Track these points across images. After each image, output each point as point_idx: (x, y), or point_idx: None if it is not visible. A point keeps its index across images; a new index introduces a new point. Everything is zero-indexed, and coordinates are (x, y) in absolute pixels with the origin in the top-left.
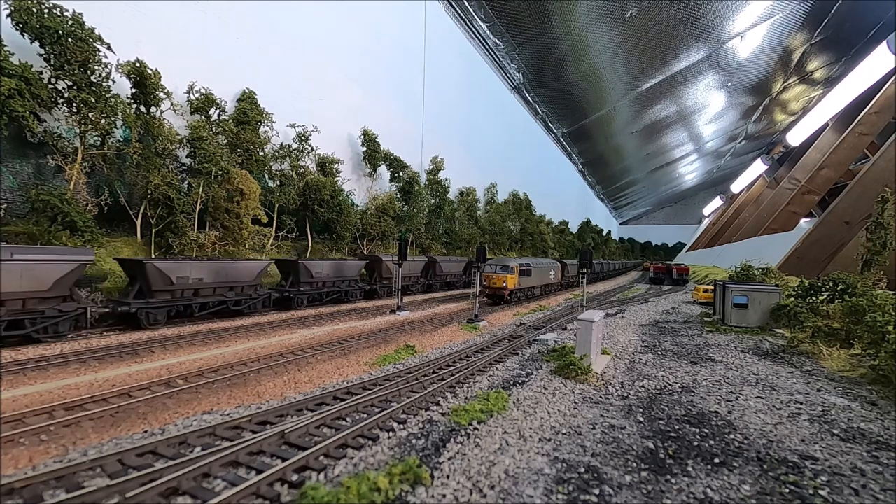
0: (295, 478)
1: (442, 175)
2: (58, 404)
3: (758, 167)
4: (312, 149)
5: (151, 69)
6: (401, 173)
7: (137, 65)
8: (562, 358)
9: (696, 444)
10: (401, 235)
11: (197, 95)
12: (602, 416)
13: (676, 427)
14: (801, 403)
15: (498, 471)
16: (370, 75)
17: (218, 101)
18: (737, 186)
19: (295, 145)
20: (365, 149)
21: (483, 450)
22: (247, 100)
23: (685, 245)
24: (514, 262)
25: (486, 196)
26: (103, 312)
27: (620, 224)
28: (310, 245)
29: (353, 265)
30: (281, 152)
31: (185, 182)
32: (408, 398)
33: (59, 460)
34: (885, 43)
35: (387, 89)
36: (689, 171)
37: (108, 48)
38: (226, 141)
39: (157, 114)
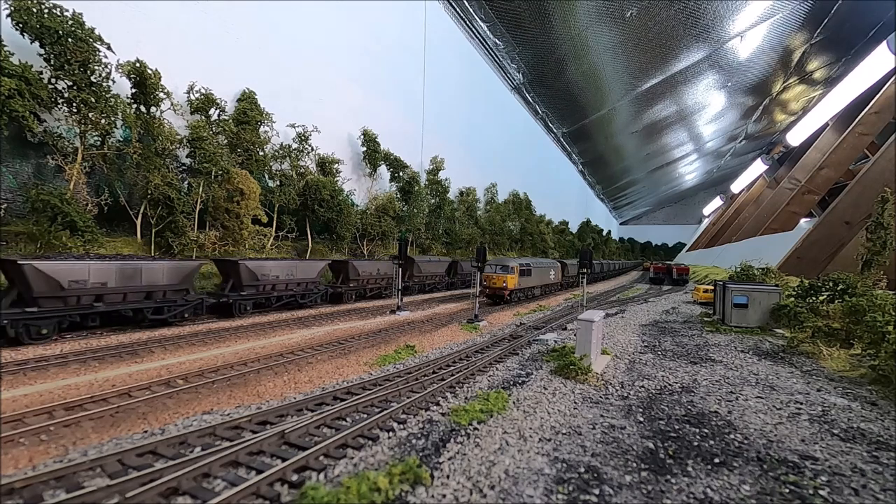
0: (295, 478)
1: (442, 175)
2: (58, 404)
3: (758, 167)
4: (312, 149)
5: (151, 69)
6: (401, 173)
7: (137, 65)
8: (562, 358)
9: (696, 444)
10: (401, 235)
11: (197, 95)
12: (602, 416)
13: (676, 427)
14: (801, 403)
15: (498, 471)
16: (370, 75)
17: (218, 101)
18: (737, 186)
19: (295, 145)
20: (365, 149)
21: (483, 450)
22: (247, 100)
23: (685, 245)
24: (514, 262)
25: (486, 196)
26: (212, 303)
27: (620, 224)
28: (310, 245)
29: (390, 265)
30: (281, 152)
31: (185, 182)
32: (408, 398)
33: (59, 460)
34: (885, 43)
35: (387, 89)
36: (689, 171)
37: (108, 48)
38: (226, 141)
39: (157, 114)
